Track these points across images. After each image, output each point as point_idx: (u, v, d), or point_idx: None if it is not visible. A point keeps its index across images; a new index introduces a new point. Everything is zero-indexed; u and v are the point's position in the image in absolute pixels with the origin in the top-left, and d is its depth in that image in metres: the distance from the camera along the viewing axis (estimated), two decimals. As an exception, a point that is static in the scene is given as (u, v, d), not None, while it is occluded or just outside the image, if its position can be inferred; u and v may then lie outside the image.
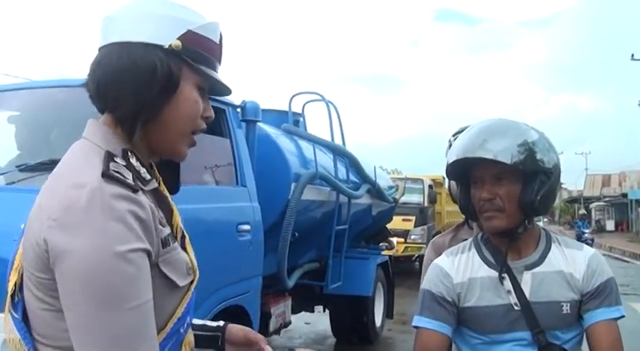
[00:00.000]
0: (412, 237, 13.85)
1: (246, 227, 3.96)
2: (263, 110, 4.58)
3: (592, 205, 49.97)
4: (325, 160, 5.53)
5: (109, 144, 1.07)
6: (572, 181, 67.99)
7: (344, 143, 6.02)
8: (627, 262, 19.92)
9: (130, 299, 0.94)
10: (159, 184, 1.14)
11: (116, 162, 1.04)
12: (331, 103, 5.88)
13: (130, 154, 1.08)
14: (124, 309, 0.94)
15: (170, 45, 1.08)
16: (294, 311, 5.84)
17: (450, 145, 2.15)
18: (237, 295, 3.82)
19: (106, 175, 0.99)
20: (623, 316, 1.66)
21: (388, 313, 7.57)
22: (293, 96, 5.86)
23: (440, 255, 1.95)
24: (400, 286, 8.13)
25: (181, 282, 1.10)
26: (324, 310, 6.97)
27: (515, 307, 1.65)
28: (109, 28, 1.10)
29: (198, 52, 1.12)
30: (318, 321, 7.81)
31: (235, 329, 1.42)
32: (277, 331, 5.26)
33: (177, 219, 1.16)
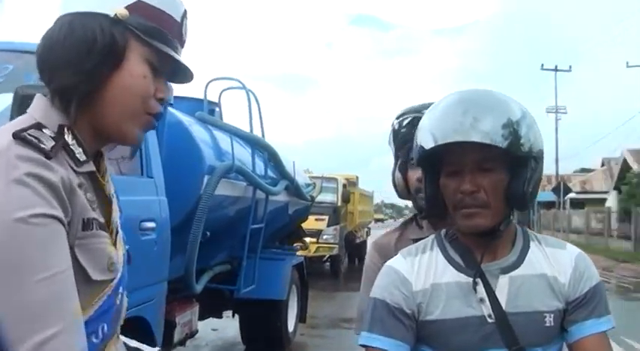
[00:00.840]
0: (324, 237, 13.68)
1: (151, 224, 3.44)
2: (175, 97, 4.13)
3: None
4: (242, 152, 5.10)
5: (46, 118, 1.00)
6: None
7: (263, 136, 5.61)
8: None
9: (38, 270, 0.85)
10: (102, 175, 1.08)
11: (41, 131, 0.96)
12: (251, 91, 5.44)
13: (66, 130, 1.00)
14: (32, 281, 0.84)
15: (116, 14, 1.01)
16: (201, 318, 5.31)
17: (395, 130, 1.86)
18: (138, 305, 3.25)
19: (17, 137, 0.91)
20: (613, 328, 1.38)
21: (301, 317, 7.21)
22: (210, 81, 5.38)
23: (385, 257, 1.65)
24: (311, 287, 7.84)
25: (97, 276, 0.99)
26: (233, 316, 6.50)
27: (489, 320, 1.34)
28: (64, 2, 1.05)
29: (148, 24, 1.04)
30: (226, 327, 7.33)
31: None
32: (183, 342, 4.71)
33: (115, 214, 1.09)
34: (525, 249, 1.41)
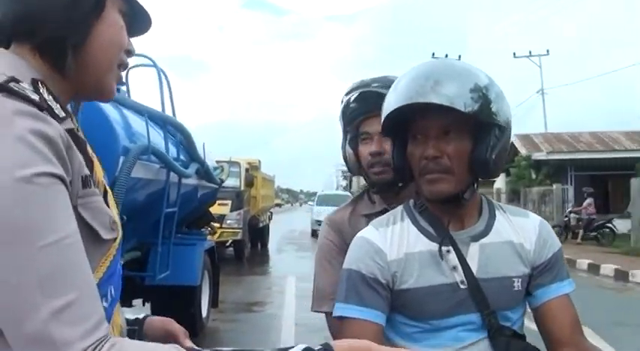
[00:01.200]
0: (228, 222, 13.52)
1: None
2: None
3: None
4: (155, 133, 4.86)
5: (15, 72, 0.88)
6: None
7: (174, 116, 5.41)
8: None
9: (45, 234, 0.77)
10: (77, 130, 0.96)
11: (20, 84, 0.86)
12: (162, 70, 5.22)
13: (40, 85, 0.90)
14: (37, 245, 0.76)
15: None
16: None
17: (345, 106, 1.82)
18: None
19: (5, 89, 0.83)
20: (573, 290, 1.47)
21: (214, 302, 7.13)
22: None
23: (339, 232, 1.76)
24: (218, 273, 7.70)
25: (105, 235, 0.93)
26: (143, 304, 6.26)
27: (462, 286, 1.38)
28: None
29: None
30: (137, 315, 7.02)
31: (156, 322, 1.27)
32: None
33: (100, 172, 1.00)
34: (492, 218, 1.46)
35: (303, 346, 0.93)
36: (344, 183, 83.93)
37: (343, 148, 1.87)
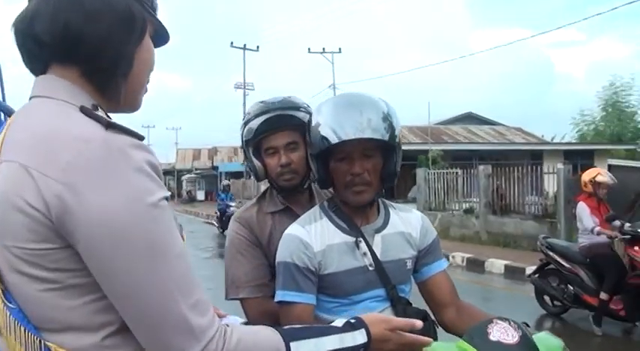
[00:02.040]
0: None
1: None
2: None
3: (183, 177, 53.37)
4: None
5: (77, 99, 0.97)
6: (163, 154, 71.37)
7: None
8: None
9: (172, 247, 0.92)
10: None
11: (99, 114, 0.96)
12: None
13: (100, 109, 1.00)
14: (170, 257, 0.91)
15: None
16: None
17: (252, 124, 2.04)
18: None
19: (112, 126, 0.92)
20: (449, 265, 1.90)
21: None
22: None
23: (249, 228, 2.05)
24: None
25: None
26: None
27: (370, 268, 1.73)
28: None
29: None
30: None
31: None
32: None
33: None
34: (387, 214, 1.85)
35: (344, 319, 1.24)
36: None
37: (250, 160, 2.08)
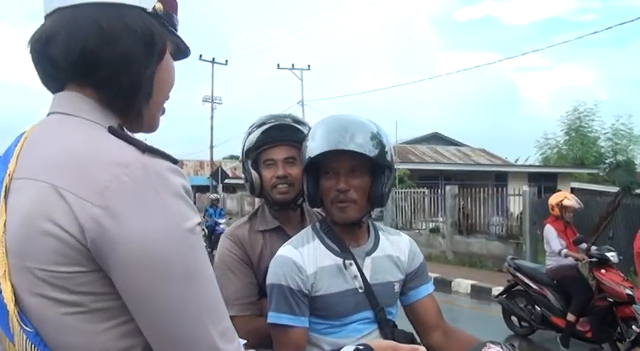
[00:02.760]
0: None
1: None
2: None
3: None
4: None
5: (103, 119, 0.96)
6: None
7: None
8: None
9: (205, 274, 0.92)
10: None
11: (129, 136, 0.94)
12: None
13: (125, 129, 1.00)
14: (204, 283, 0.91)
15: (154, 7, 1.00)
16: None
17: (254, 136, 2.10)
18: None
19: (148, 150, 0.91)
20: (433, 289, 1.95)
21: None
22: None
23: (241, 246, 2.07)
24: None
25: None
26: None
27: (360, 290, 1.74)
28: None
29: (172, 16, 1.05)
30: None
31: None
32: None
33: None
34: (377, 237, 1.86)
35: (352, 347, 1.19)
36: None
37: (248, 171, 2.11)
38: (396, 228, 16.37)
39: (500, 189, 14.50)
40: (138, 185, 0.86)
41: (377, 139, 1.69)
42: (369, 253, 1.79)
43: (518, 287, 7.10)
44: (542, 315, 6.73)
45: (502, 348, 1.44)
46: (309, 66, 34.11)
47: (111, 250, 0.84)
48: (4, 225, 0.90)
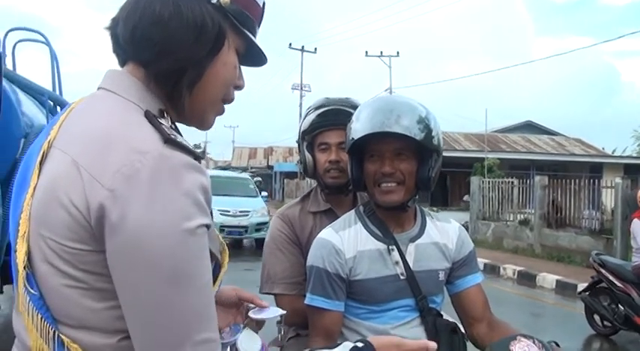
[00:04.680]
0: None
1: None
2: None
3: (239, 175, 53.65)
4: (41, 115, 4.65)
5: (145, 102, 0.97)
6: (219, 152, 72.49)
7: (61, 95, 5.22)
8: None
9: (197, 278, 0.89)
10: None
11: (163, 124, 0.93)
12: (54, 50, 5.03)
13: (166, 115, 0.98)
14: (192, 288, 0.88)
15: (219, 0, 1.00)
16: None
17: (311, 117, 2.14)
18: None
19: (170, 141, 0.89)
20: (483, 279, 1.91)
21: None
22: (9, 31, 4.81)
23: (290, 226, 2.10)
24: None
25: (219, 256, 1.06)
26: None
27: (401, 277, 1.72)
28: None
29: (244, 13, 1.04)
30: None
31: (226, 290, 1.30)
32: None
33: None
34: (424, 223, 1.83)
35: (351, 344, 1.14)
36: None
37: (302, 153, 2.17)
38: (483, 219, 16.22)
39: (593, 181, 13.93)
40: (148, 175, 0.85)
41: (424, 122, 1.66)
42: (413, 240, 1.76)
43: (603, 284, 6.89)
44: (625, 315, 6.50)
45: (534, 342, 1.38)
46: (397, 53, 33.73)
47: (109, 234, 0.85)
48: (34, 189, 0.93)
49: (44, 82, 4.75)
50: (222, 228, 12.78)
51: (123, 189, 0.84)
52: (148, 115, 0.93)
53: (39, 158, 0.95)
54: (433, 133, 1.68)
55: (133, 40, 0.96)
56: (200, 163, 0.93)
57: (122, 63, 1.02)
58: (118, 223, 0.84)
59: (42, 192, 0.91)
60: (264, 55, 1.13)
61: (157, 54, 0.95)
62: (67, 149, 0.91)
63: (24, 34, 5.05)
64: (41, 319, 0.91)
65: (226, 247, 1.12)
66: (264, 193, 16.74)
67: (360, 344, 1.13)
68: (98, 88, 1.00)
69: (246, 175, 18.11)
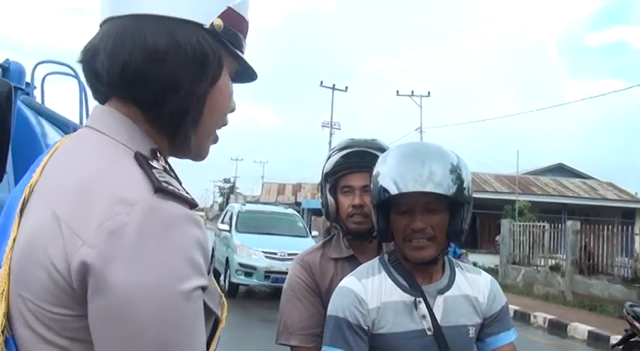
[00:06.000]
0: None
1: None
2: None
3: (267, 211, 54.00)
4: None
5: (134, 142, 0.86)
6: (248, 187, 73.08)
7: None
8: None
9: (188, 348, 0.78)
10: None
11: (155, 167, 0.83)
12: (82, 83, 5.08)
13: (159, 155, 0.88)
14: None
15: (212, 24, 0.90)
16: None
17: (336, 160, 2.03)
18: None
19: (161, 190, 0.78)
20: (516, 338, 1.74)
21: None
22: (38, 64, 4.88)
23: (310, 273, 1.97)
24: None
25: (218, 313, 0.93)
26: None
27: (428, 333, 1.60)
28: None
29: (236, 35, 0.94)
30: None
31: None
32: None
33: None
34: (453, 274, 1.71)
35: None
36: (220, 200, 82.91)
37: (324, 196, 2.07)
38: (513, 263, 15.91)
39: (626, 227, 13.58)
40: (136, 230, 0.75)
41: (456, 172, 1.59)
42: (441, 292, 1.65)
43: (637, 338, 6.63)
44: (661, 371, 6.24)
45: None
46: (428, 93, 33.70)
47: (90, 297, 0.75)
48: (14, 241, 0.83)
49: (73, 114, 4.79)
50: (267, 274, 11.43)
51: (106, 246, 0.74)
52: (137, 158, 0.83)
53: (19, 205, 0.86)
54: (465, 184, 1.60)
55: (124, 79, 0.86)
56: (193, 209, 0.83)
57: (104, 98, 0.92)
58: (100, 285, 0.74)
59: (21, 248, 0.82)
60: (255, 72, 1.02)
61: (156, 94, 0.87)
62: (48, 200, 0.82)
63: (54, 67, 5.11)
64: None
65: (225, 300, 0.99)
66: (315, 233, 14.15)
67: None
68: (85, 126, 0.91)
69: (292, 210, 15.47)
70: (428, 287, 1.65)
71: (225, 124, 1.00)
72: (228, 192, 73.41)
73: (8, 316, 0.81)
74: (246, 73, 1.02)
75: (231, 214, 13.52)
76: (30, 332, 0.80)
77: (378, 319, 1.60)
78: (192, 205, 0.82)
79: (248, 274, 11.41)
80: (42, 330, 0.79)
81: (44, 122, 4.41)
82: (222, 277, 12.25)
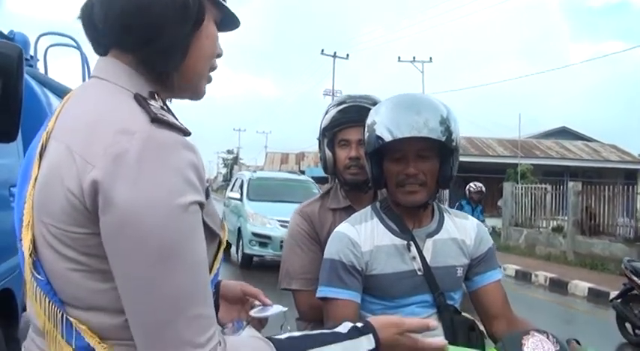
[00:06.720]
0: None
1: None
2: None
3: (271, 180, 53.94)
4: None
5: (134, 86, 0.98)
6: (252, 157, 73.12)
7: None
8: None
9: (187, 256, 0.88)
10: None
11: (152, 105, 0.95)
12: (85, 54, 5.15)
13: (157, 97, 1.00)
14: (181, 266, 0.87)
15: None
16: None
17: (331, 113, 2.13)
18: (6, 277, 3.02)
19: (157, 120, 0.91)
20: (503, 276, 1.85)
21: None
22: (41, 35, 4.96)
23: (310, 222, 2.10)
24: None
25: (220, 233, 1.05)
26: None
27: (419, 273, 1.71)
28: None
29: None
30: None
31: (231, 285, 1.34)
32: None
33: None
34: (442, 219, 1.82)
35: (350, 324, 1.15)
36: (224, 171, 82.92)
37: (322, 150, 2.18)
38: (516, 225, 16.02)
39: (628, 188, 13.67)
40: (136, 154, 0.86)
41: (446, 123, 1.65)
42: (430, 235, 1.75)
43: (635, 292, 6.78)
44: (657, 322, 6.39)
45: (548, 337, 1.34)
46: (430, 58, 33.37)
47: (101, 214, 0.86)
48: (36, 179, 0.96)
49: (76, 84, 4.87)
50: (282, 243, 10.91)
51: (112, 167, 0.85)
52: (137, 98, 0.95)
53: (39, 150, 0.98)
54: (454, 133, 1.67)
55: (113, 28, 0.97)
56: (187, 137, 0.94)
57: (105, 49, 1.02)
58: (109, 203, 0.85)
59: (41, 181, 0.94)
60: (237, 19, 1.13)
61: (141, 40, 0.97)
62: (62, 138, 0.94)
63: (56, 39, 5.18)
64: (49, 302, 0.94)
65: (225, 224, 1.11)
66: None
67: (359, 324, 1.15)
68: (90, 77, 1.03)
69: (306, 177, 14.89)
70: (418, 231, 1.75)
71: (214, 67, 1.10)
72: (232, 163, 73.40)
73: (34, 242, 0.95)
74: (229, 21, 1.12)
75: (242, 181, 12.74)
76: (52, 252, 0.93)
77: (371, 262, 1.70)
78: (185, 133, 0.94)
79: (263, 245, 10.79)
80: (62, 248, 0.91)
81: (49, 93, 4.52)
82: (233, 248, 11.81)
